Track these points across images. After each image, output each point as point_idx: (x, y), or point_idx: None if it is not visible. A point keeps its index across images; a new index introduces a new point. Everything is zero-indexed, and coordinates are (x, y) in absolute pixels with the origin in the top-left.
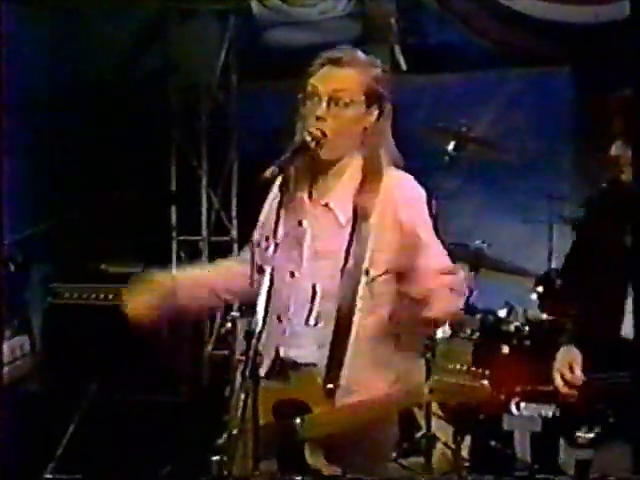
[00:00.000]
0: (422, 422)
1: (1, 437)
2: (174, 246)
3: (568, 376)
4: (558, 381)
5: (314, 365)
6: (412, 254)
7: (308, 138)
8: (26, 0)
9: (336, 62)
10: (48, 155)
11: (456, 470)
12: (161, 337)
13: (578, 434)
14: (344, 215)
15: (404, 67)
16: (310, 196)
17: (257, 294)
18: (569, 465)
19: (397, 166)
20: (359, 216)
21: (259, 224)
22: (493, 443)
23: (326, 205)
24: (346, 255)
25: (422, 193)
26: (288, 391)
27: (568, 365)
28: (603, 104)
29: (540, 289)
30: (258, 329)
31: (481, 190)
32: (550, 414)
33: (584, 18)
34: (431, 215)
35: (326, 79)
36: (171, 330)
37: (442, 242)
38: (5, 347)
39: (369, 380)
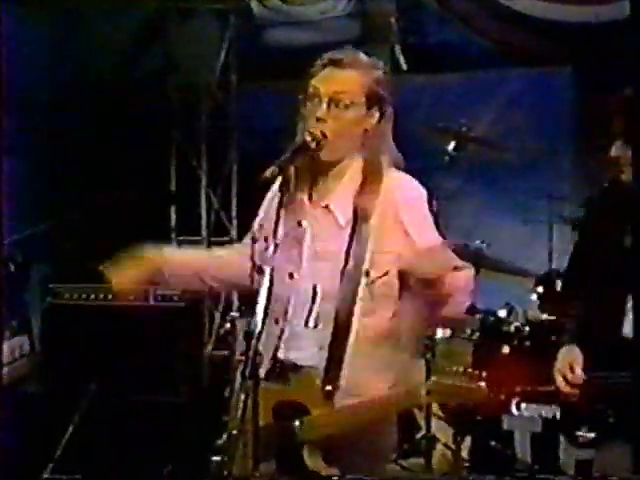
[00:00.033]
0: (422, 423)
1: (1, 437)
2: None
3: (569, 376)
4: (559, 381)
5: (314, 367)
6: (415, 255)
7: (308, 138)
8: (26, 0)
9: (337, 63)
10: (48, 155)
11: (456, 471)
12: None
13: (579, 434)
14: (344, 216)
15: (404, 67)
16: (310, 198)
17: (256, 293)
18: (569, 465)
19: (398, 167)
20: (359, 217)
21: (257, 221)
22: (493, 444)
23: (326, 207)
24: (346, 256)
25: (423, 193)
26: (287, 393)
27: (569, 365)
28: (603, 104)
29: (540, 289)
30: (258, 330)
31: (481, 190)
32: (550, 415)
33: (584, 18)
34: (433, 214)
35: (327, 80)
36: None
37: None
38: (5, 347)
39: (369, 382)
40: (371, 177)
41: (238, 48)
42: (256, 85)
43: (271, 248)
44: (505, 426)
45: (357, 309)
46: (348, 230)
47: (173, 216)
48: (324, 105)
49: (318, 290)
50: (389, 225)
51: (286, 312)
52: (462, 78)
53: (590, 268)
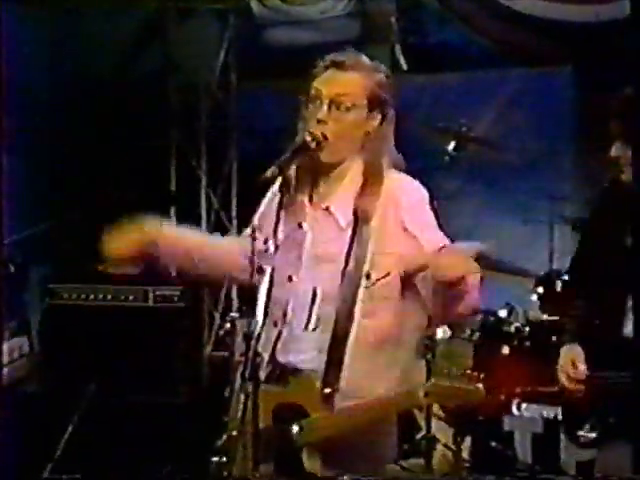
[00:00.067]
0: (422, 423)
1: (0, 437)
2: None
3: (572, 372)
4: (563, 379)
5: (314, 370)
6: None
7: (308, 139)
8: (26, 0)
9: (340, 65)
10: (48, 155)
11: (456, 471)
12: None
13: (580, 434)
14: (344, 218)
15: (404, 67)
16: (311, 199)
17: (255, 293)
18: (570, 465)
19: (398, 169)
20: (360, 219)
21: (256, 218)
22: (494, 444)
23: (327, 209)
24: (347, 258)
25: (425, 194)
26: (286, 395)
27: (571, 362)
28: (604, 104)
29: (541, 290)
30: (257, 330)
31: (481, 190)
32: (551, 415)
33: (585, 17)
34: (435, 214)
35: (329, 82)
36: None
37: None
38: (4, 348)
39: (369, 384)
40: (372, 179)
41: (238, 48)
42: (256, 85)
43: (271, 249)
44: (506, 427)
45: (357, 311)
46: (349, 232)
47: (173, 216)
48: (325, 107)
49: (318, 292)
50: (390, 227)
51: (285, 315)
52: (462, 78)
53: (591, 268)
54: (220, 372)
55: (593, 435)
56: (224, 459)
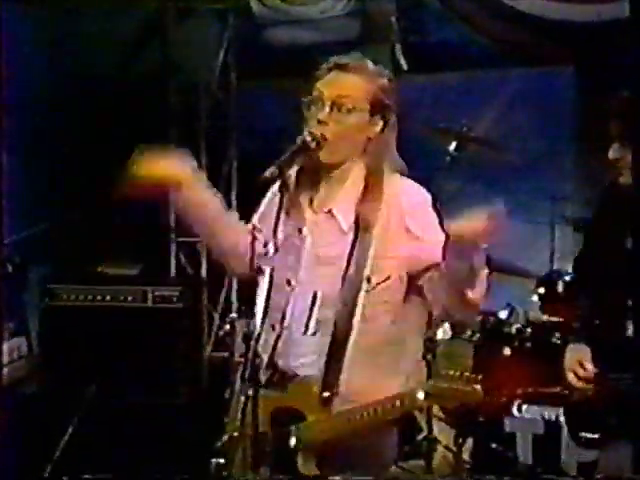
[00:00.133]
0: (423, 425)
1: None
2: (173, 247)
3: (581, 372)
4: (571, 377)
5: (314, 376)
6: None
7: (308, 139)
8: (26, 0)
9: (343, 68)
10: (48, 155)
11: (457, 473)
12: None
13: (582, 435)
14: (347, 222)
15: (405, 66)
16: (311, 202)
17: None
18: (571, 467)
19: (401, 174)
20: (361, 223)
21: (256, 217)
22: (495, 446)
23: (329, 212)
24: (347, 262)
25: (428, 197)
26: (285, 399)
27: (578, 362)
28: (604, 104)
29: (542, 290)
30: (257, 331)
31: (482, 190)
32: (553, 416)
33: (586, 17)
34: (439, 216)
35: (331, 84)
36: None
37: None
38: (3, 348)
39: (369, 388)
40: (373, 184)
41: (238, 48)
42: (256, 85)
43: (271, 251)
44: (507, 428)
45: (357, 315)
46: (350, 235)
47: (172, 217)
48: (327, 108)
49: (318, 296)
50: (393, 231)
51: (283, 318)
52: (463, 78)
53: (593, 269)
54: (220, 373)
55: (596, 436)
56: (224, 460)
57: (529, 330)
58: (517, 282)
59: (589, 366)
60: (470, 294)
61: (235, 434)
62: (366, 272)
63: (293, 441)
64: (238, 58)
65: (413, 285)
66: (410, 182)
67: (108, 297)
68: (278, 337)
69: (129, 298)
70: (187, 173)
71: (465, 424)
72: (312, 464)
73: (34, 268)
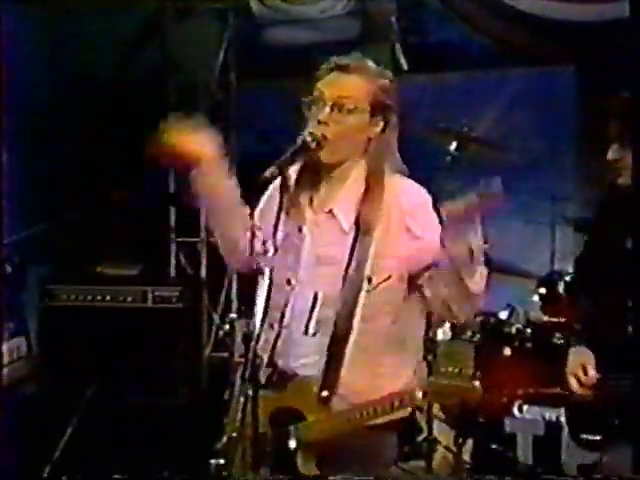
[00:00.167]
0: (423, 425)
1: None
2: (173, 248)
3: (583, 378)
4: (573, 382)
5: (314, 376)
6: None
7: (308, 139)
8: (26, 0)
9: (344, 68)
10: (48, 155)
11: (457, 474)
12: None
13: (583, 436)
14: (347, 222)
15: (405, 66)
16: (311, 202)
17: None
18: (571, 467)
19: (401, 175)
20: (362, 223)
21: (256, 217)
22: (495, 446)
23: (329, 212)
24: (348, 262)
25: (428, 198)
26: (284, 399)
27: (581, 366)
28: (605, 104)
29: (542, 291)
30: (257, 332)
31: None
32: (553, 417)
33: (587, 16)
34: (439, 217)
35: (332, 84)
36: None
37: None
38: (3, 349)
39: (368, 388)
40: (374, 185)
41: (238, 47)
42: (256, 84)
43: (271, 250)
44: (507, 429)
45: (357, 315)
46: (351, 235)
47: (172, 217)
48: (327, 108)
49: (319, 296)
50: (394, 231)
51: (282, 318)
52: (463, 78)
53: (593, 270)
54: (219, 373)
55: (597, 437)
56: (223, 461)
57: (529, 330)
58: (517, 282)
59: (592, 372)
60: (470, 284)
61: (235, 434)
62: (367, 272)
63: (293, 441)
64: (238, 58)
65: (413, 285)
66: (410, 182)
67: (108, 297)
68: (277, 336)
69: (129, 298)
70: (210, 153)
71: (465, 425)
72: (312, 464)
73: (34, 268)
